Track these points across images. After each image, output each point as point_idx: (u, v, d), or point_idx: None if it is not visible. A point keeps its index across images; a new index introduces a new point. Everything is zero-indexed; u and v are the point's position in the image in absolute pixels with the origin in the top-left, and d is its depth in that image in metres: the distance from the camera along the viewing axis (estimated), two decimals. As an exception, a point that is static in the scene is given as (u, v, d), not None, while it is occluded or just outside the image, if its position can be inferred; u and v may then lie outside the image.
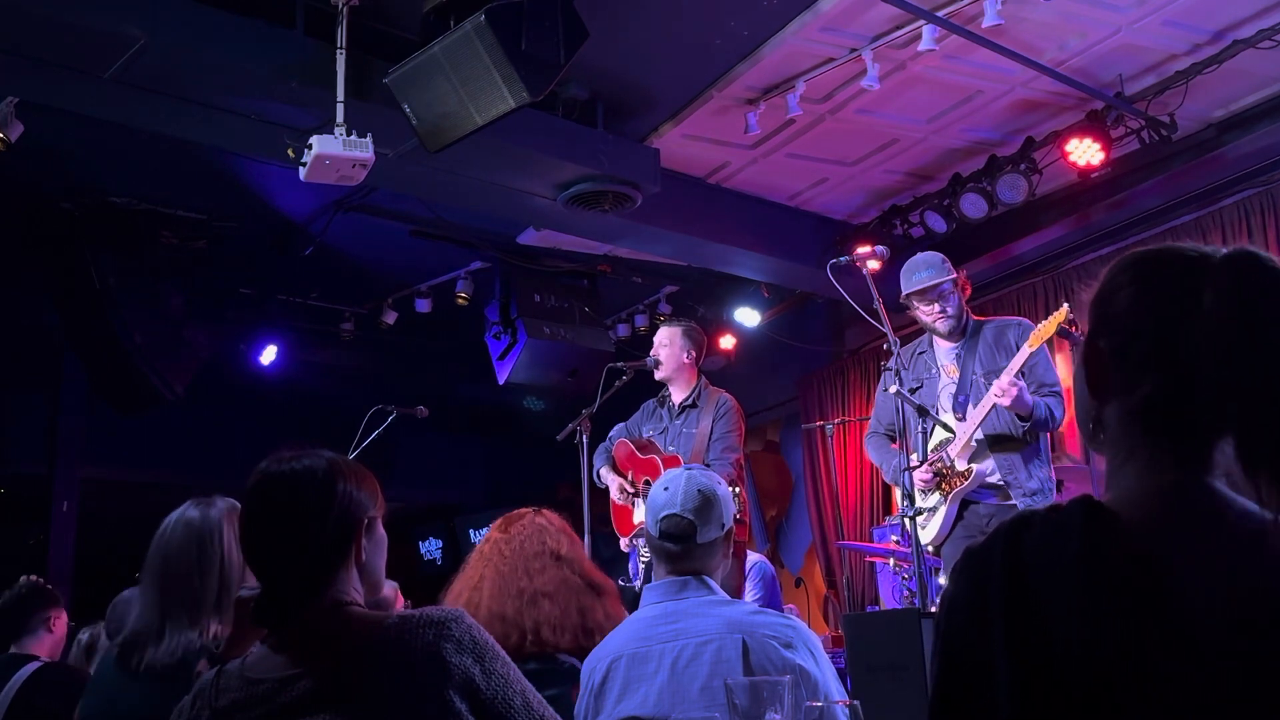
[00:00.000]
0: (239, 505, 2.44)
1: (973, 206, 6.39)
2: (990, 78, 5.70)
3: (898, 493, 4.29)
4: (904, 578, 5.48)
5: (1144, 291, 1.26)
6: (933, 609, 3.35)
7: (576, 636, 2.49)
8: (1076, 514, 1.19)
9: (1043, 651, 1.13)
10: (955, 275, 4.32)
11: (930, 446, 4.18)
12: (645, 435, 5.20)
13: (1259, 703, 1.09)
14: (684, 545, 2.32)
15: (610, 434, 5.32)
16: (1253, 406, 1.18)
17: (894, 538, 5.88)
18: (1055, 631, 1.13)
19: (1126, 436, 1.25)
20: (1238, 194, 6.15)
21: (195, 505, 2.48)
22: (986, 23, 4.76)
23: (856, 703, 1.71)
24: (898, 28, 5.15)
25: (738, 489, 4.72)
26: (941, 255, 4.38)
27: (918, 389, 4.31)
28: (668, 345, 5.13)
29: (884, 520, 7.26)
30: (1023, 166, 6.12)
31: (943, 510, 4.25)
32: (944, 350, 4.41)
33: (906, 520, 3.86)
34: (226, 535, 2.42)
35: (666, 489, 2.38)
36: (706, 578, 2.33)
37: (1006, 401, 4.04)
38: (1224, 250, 1.26)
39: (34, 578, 4.38)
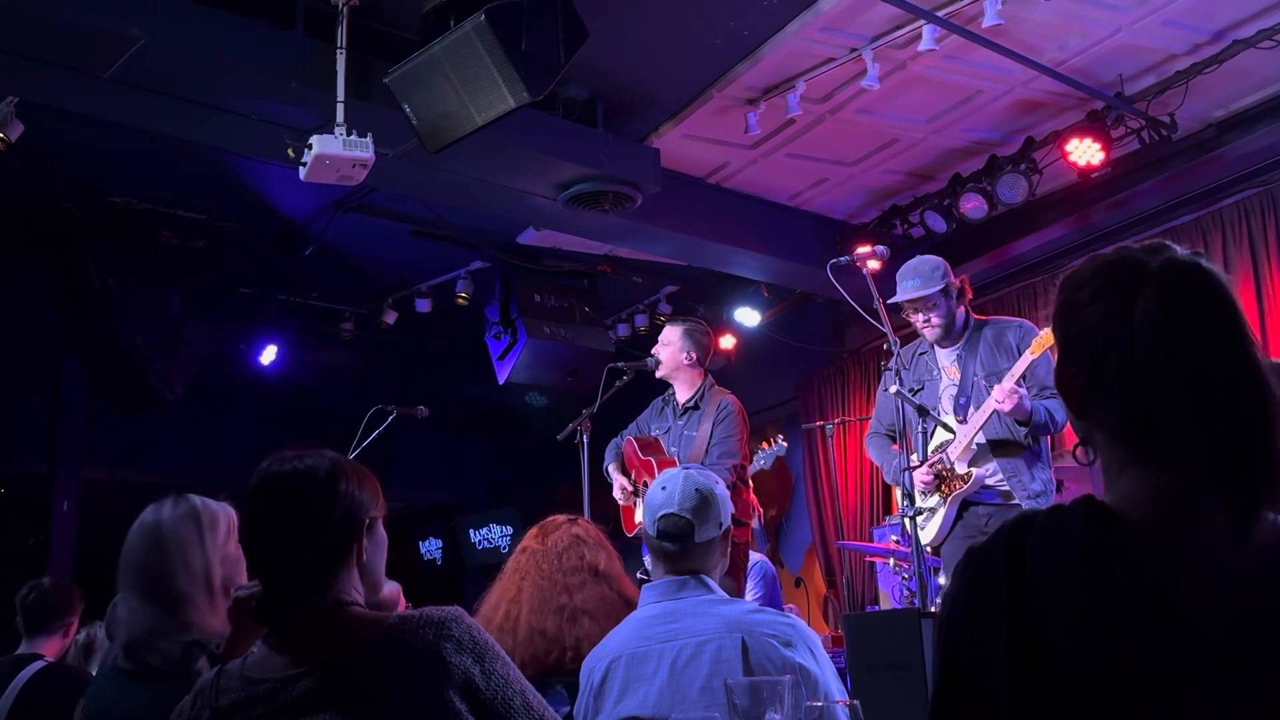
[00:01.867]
0: (201, 506, 2.43)
1: (973, 206, 6.39)
2: (990, 78, 5.70)
3: (898, 492, 4.29)
4: (904, 578, 5.48)
5: (1105, 308, 1.26)
6: (933, 609, 3.35)
7: None
8: (1079, 514, 1.19)
9: (1044, 650, 1.13)
10: (947, 283, 4.26)
11: (931, 447, 4.18)
12: (653, 433, 5.20)
13: (1258, 702, 1.09)
14: (682, 545, 2.32)
15: (624, 430, 5.33)
16: (1184, 417, 1.18)
17: (894, 538, 5.88)
18: (1057, 631, 1.14)
19: (1117, 449, 1.25)
20: (1238, 194, 6.15)
21: (153, 508, 2.44)
22: (986, 23, 4.76)
23: (856, 703, 1.71)
24: (898, 28, 5.15)
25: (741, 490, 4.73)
26: (937, 262, 4.32)
27: (919, 390, 4.30)
28: (667, 345, 5.12)
29: (884, 520, 7.26)
30: (1023, 166, 6.12)
31: (942, 512, 4.25)
32: (945, 352, 4.40)
33: (906, 520, 3.86)
34: (184, 538, 2.37)
35: (664, 488, 2.39)
36: (705, 577, 2.33)
37: (1007, 408, 4.04)
38: (1163, 255, 1.26)
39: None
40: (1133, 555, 1.16)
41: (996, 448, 4.19)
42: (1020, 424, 4.11)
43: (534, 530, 2.75)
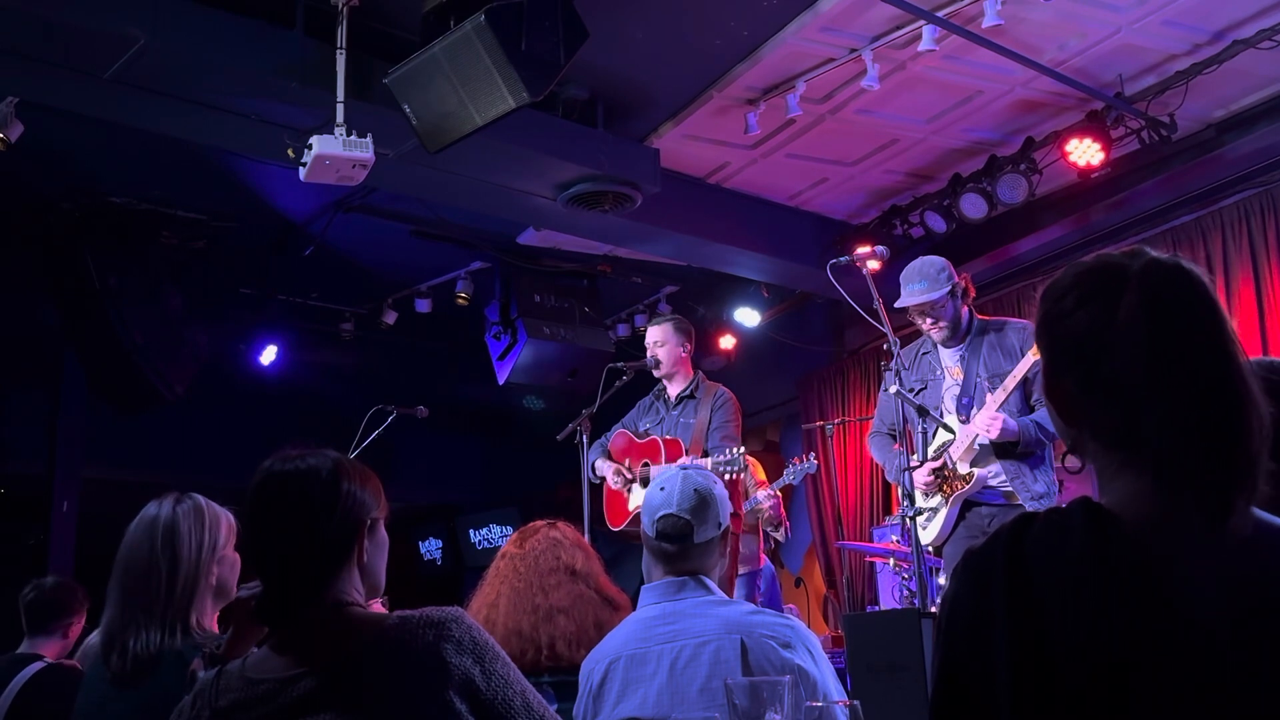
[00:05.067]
0: (204, 505, 2.47)
1: (973, 206, 6.39)
2: (990, 78, 5.70)
3: (899, 492, 4.28)
4: (904, 578, 5.48)
5: (1090, 314, 1.26)
6: (933, 609, 3.35)
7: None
8: (1078, 514, 1.19)
9: (1045, 650, 1.14)
10: (952, 284, 4.23)
11: (933, 448, 4.17)
12: (642, 429, 5.21)
13: (1258, 697, 1.10)
14: (681, 545, 2.32)
15: (607, 434, 5.33)
16: (1166, 418, 1.18)
17: (894, 538, 5.88)
18: (1058, 630, 1.14)
19: (1112, 454, 1.25)
20: (1238, 194, 6.14)
21: (155, 503, 2.49)
22: (986, 23, 4.76)
23: (856, 703, 1.71)
24: (898, 28, 5.15)
25: (740, 450, 4.76)
26: (941, 263, 4.29)
27: (922, 390, 4.30)
28: (665, 343, 5.15)
29: (884, 520, 7.25)
30: (1023, 166, 6.12)
31: (944, 512, 4.24)
32: (948, 352, 4.39)
33: (906, 520, 3.86)
34: (184, 533, 2.42)
35: (663, 489, 2.38)
36: (704, 578, 2.33)
37: (993, 436, 4.03)
38: (1143, 258, 1.26)
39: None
40: (1132, 556, 1.16)
41: (999, 449, 4.17)
42: (1011, 444, 4.09)
43: (514, 536, 2.81)
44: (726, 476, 4.74)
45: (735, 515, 4.91)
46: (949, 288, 4.23)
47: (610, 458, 5.19)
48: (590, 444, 5.08)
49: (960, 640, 1.20)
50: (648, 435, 5.16)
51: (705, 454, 4.94)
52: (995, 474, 4.19)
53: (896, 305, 4.29)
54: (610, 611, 2.62)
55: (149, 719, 2.03)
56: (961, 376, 4.32)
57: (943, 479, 4.25)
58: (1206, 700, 1.10)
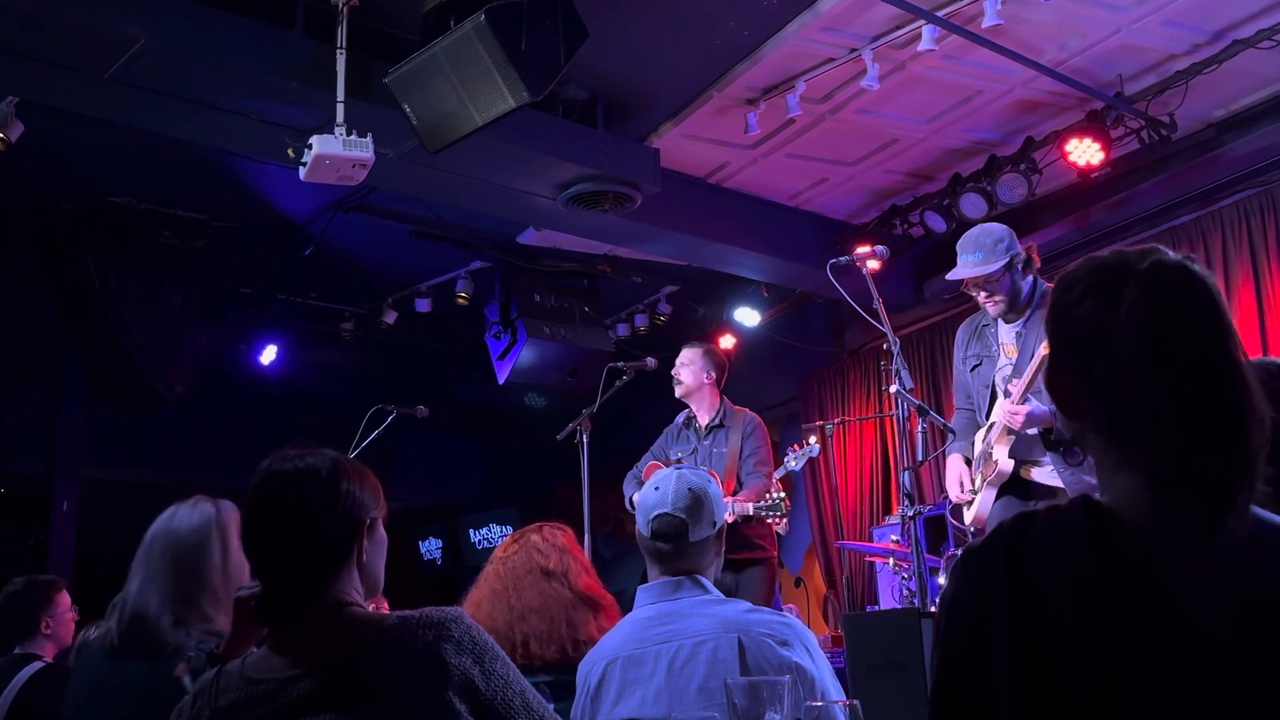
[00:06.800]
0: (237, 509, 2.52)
1: (973, 206, 6.39)
2: (990, 78, 5.70)
3: (899, 492, 4.26)
4: (904, 578, 5.49)
5: (1092, 308, 1.26)
6: (933, 609, 3.35)
7: (565, 650, 2.57)
8: (1079, 512, 1.20)
9: (1045, 649, 1.14)
10: (1010, 256, 3.93)
11: (984, 430, 4.08)
12: (674, 458, 5.23)
13: (1258, 697, 1.10)
14: (676, 544, 2.32)
15: (638, 463, 5.35)
16: (1161, 416, 1.19)
17: (894, 538, 5.88)
18: (1057, 629, 1.14)
19: (1112, 450, 1.25)
20: (1237, 194, 6.15)
21: (209, 501, 2.54)
22: (986, 23, 4.76)
23: (856, 702, 1.71)
24: (898, 28, 5.15)
25: (781, 495, 4.84)
26: (1000, 233, 3.96)
27: (978, 366, 4.12)
28: (688, 365, 5.20)
29: (884, 520, 7.26)
30: (1023, 166, 6.12)
31: (982, 494, 4.03)
32: (1006, 328, 4.09)
33: (906, 520, 3.85)
34: (228, 535, 2.48)
35: (657, 488, 2.38)
36: (700, 577, 2.33)
37: (1017, 425, 3.82)
38: (1151, 257, 1.26)
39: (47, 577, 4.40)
40: (1132, 555, 1.16)
41: (1044, 438, 3.86)
42: (1045, 431, 3.84)
43: (506, 539, 2.89)
44: (769, 519, 4.80)
45: (760, 547, 5.02)
46: (1006, 260, 3.92)
47: None
48: (591, 444, 5.08)
49: (959, 639, 1.21)
50: (681, 463, 5.15)
51: (739, 480, 4.97)
52: (1045, 464, 3.92)
53: (948, 277, 4.07)
54: (586, 610, 2.67)
55: (145, 693, 2.06)
56: (1015, 355, 4.03)
57: (984, 460, 4.05)
58: (1206, 700, 1.10)
